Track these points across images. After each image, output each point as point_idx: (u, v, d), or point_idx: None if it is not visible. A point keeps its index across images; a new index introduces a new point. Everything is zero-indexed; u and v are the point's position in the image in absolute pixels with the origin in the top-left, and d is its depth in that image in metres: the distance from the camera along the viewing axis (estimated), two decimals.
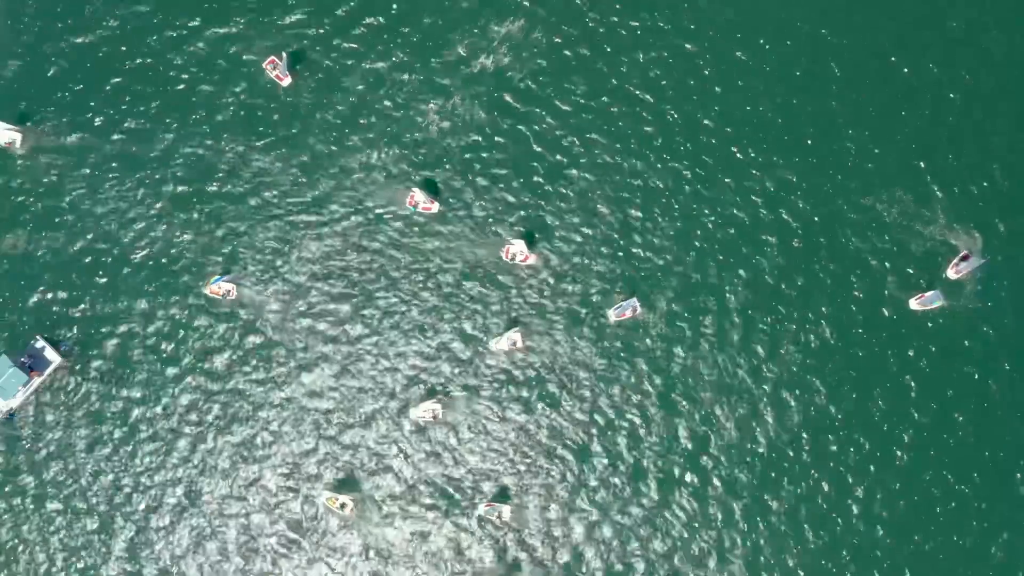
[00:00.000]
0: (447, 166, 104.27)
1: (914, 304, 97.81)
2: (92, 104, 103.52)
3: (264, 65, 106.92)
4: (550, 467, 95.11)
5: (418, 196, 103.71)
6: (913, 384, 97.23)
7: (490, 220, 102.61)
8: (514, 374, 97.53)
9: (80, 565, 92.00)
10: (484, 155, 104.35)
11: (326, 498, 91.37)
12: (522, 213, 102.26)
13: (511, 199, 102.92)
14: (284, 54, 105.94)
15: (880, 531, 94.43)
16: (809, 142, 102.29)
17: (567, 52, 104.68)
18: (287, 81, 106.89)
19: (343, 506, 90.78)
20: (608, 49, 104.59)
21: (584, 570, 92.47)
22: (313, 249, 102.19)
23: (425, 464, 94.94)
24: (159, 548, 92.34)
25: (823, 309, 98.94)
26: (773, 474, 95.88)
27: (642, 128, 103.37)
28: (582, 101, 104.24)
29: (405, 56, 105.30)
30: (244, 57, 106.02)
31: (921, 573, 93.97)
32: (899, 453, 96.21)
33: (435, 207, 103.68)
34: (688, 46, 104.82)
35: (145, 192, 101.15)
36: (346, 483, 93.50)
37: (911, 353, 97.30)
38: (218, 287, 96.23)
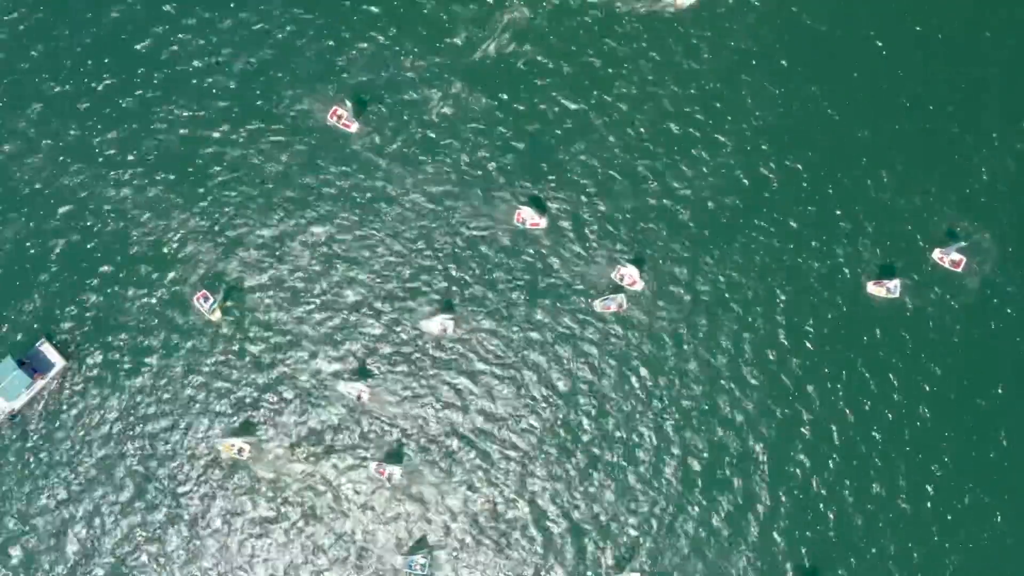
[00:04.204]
0: (552, 181, 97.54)
1: (871, 288, 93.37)
2: (108, 103, 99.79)
3: (329, 118, 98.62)
4: (458, 443, 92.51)
5: (525, 213, 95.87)
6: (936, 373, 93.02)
7: (597, 237, 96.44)
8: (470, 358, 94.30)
9: (79, 563, 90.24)
10: (585, 163, 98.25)
11: (221, 445, 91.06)
12: (631, 235, 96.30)
13: (615, 214, 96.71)
14: (347, 102, 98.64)
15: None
16: (816, 119, 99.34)
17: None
18: (355, 127, 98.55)
19: (240, 451, 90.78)
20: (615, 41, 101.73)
21: (469, 539, 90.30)
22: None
23: (335, 423, 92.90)
24: (160, 545, 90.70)
25: (810, 296, 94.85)
26: (727, 471, 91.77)
27: (649, 116, 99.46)
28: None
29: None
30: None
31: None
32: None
33: (543, 223, 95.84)
34: (703, 15, 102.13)
35: (159, 196, 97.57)
36: (244, 429, 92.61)
37: (871, 339, 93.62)
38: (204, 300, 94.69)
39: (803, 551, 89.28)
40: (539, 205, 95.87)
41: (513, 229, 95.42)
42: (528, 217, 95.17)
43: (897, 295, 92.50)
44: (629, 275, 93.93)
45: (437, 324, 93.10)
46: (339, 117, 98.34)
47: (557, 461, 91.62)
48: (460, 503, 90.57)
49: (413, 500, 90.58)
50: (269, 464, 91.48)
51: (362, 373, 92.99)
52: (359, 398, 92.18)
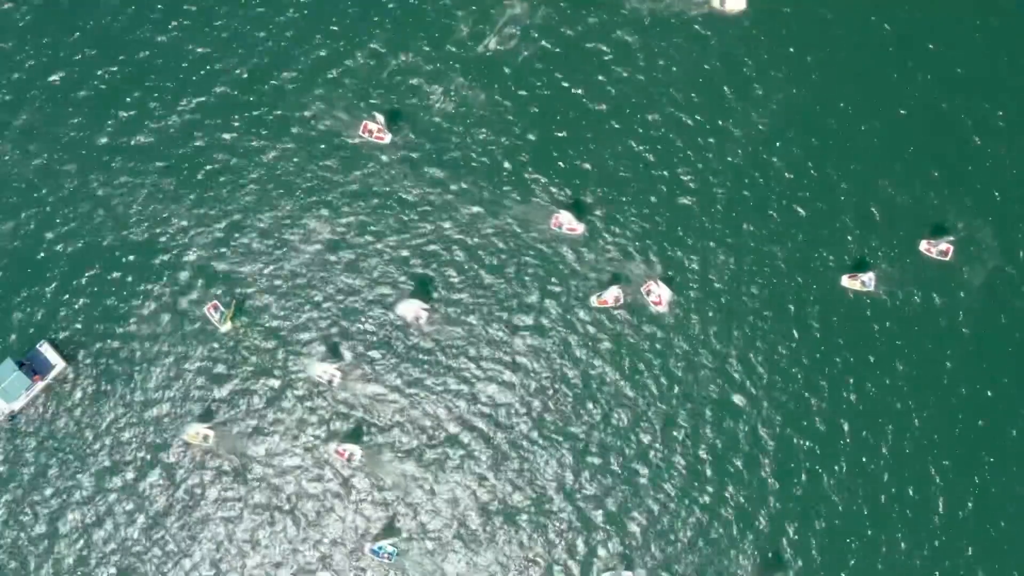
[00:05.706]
0: (590, 189, 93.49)
1: (846, 281, 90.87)
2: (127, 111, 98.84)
3: (361, 132, 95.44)
4: (429, 429, 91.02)
5: (563, 218, 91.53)
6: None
7: (632, 247, 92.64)
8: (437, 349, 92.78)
9: (76, 561, 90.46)
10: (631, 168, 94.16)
11: (187, 435, 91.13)
12: (662, 250, 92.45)
13: (647, 223, 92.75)
14: (377, 115, 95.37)
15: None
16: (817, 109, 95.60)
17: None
18: (388, 138, 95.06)
19: (205, 438, 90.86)
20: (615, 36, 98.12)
21: (441, 526, 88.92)
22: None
23: (304, 405, 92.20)
24: (159, 545, 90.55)
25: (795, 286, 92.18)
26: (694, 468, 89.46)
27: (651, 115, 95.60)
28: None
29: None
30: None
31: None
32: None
33: (580, 228, 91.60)
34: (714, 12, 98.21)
35: (162, 200, 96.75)
36: (217, 415, 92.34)
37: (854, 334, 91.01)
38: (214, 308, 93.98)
39: (799, 548, 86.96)
40: (579, 210, 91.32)
41: (547, 232, 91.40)
42: (566, 221, 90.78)
43: (872, 288, 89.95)
44: (658, 294, 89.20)
45: (412, 310, 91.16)
46: (371, 132, 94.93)
47: (534, 450, 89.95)
48: (430, 490, 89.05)
49: (381, 484, 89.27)
50: (235, 450, 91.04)
51: (335, 355, 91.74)
52: (330, 382, 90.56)
